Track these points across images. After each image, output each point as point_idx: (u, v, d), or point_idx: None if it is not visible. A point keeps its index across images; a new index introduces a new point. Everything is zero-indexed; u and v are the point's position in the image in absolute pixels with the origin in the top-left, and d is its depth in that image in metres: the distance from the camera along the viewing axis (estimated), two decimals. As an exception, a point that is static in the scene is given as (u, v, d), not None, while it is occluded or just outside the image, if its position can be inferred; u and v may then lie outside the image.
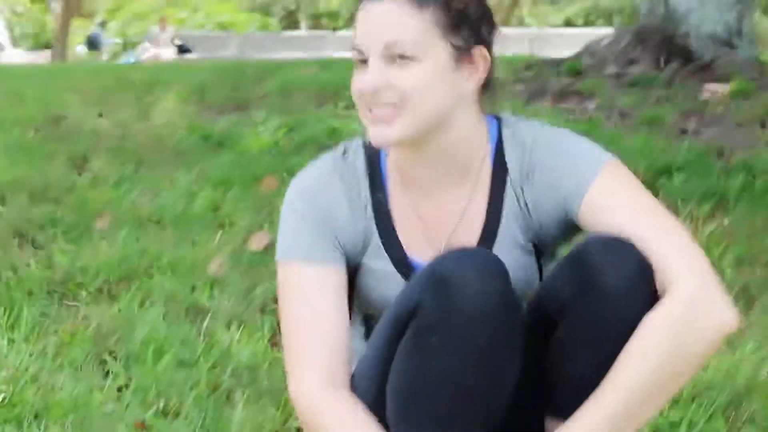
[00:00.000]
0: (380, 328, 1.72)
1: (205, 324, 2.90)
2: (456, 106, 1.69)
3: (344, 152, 1.85)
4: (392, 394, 1.64)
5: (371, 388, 1.70)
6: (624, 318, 1.55)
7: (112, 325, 2.90)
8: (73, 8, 22.83)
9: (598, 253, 1.58)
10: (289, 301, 1.78)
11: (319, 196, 1.79)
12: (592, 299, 1.57)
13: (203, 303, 3.06)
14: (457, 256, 1.58)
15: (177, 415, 2.43)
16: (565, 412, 1.60)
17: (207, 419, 2.39)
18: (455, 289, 1.53)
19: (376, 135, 1.68)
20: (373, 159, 1.84)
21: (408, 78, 1.63)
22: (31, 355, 2.71)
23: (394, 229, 1.80)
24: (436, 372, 1.56)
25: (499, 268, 1.56)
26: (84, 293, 3.14)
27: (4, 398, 2.50)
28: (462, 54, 1.66)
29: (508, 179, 1.78)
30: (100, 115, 5.81)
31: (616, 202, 1.66)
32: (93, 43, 23.37)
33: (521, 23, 30.85)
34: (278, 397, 2.44)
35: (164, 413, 2.45)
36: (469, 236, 1.78)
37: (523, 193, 1.77)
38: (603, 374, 1.56)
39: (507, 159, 1.78)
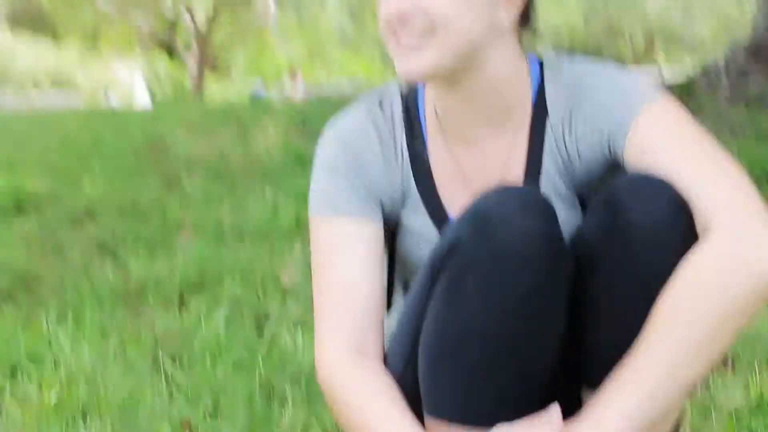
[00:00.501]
0: (416, 280, 1.58)
1: (269, 329, 2.81)
2: (491, 38, 1.52)
3: (379, 98, 1.73)
4: (423, 349, 1.47)
5: (404, 351, 1.55)
6: (658, 263, 1.36)
7: (176, 330, 2.84)
8: (206, 65, 23.55)
9: (626, 191, 1.39)
10: (320, 259, 1.63)
11: (352, 144, 1.65)
12: (619, 242, 1.38)
13: (271, 309, 2.97)
14: (500, 191, 1.42)
15: (226, 416, 2.33)
16: (601, 382, 1.42)
17: (256, 420, 2.28)
18: (495, 225, 1.36)
19: (404, 67, 1.51)
20: (410, 104, 1.70)
21: (437, 0, 1.47)
22: (90, 357, 2.66)
23: (433, 180, 1.64)
24: (472, 317, 1.38)
25: (544, 206, 1.39)
26: (153, 301, 3.09)
27: (58, 399, 2.46)
28: None
29: (548, 123, 1.62)
30: (201, 142, 5.82)
31: (661, 140, 1.47)
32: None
33: (655, 63, 30.45)
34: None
35: (213, 414, 2.35)
36: None
37: (564, 137, 1.60)
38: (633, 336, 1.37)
39: (548, 101, 1.62)
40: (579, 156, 1.59)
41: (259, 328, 2.86)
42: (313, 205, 1.65)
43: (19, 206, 4.33)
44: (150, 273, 3.27)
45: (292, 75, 21.75)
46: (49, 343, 2.78)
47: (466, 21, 1.49)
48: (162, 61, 27.57)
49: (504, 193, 1.42)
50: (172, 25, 25.43)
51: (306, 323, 2.87)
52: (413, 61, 1.50)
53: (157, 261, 3.44)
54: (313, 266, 1.65)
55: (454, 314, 1.41)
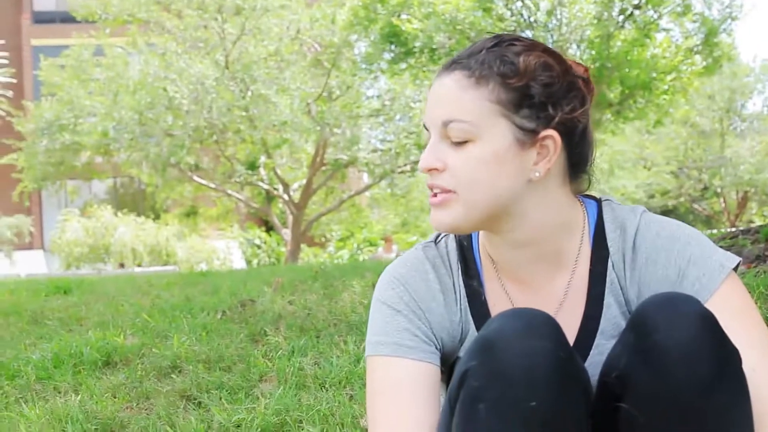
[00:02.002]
0: (441, 411, 1.58)
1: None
2: (525, 192, 1.56)
3: (436, 238, 1.76)
4: None
5: None
6: (686, 380, 1.34)
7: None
8: (301, 236, 24.03)
9: (652, 312, 1.40)
10: (377, 400, 1.65)
11: (412, 285, 1.69)
12: (646, 363, 1.37)
13: (351, 451, 2.95)
14: (503, 316, 1.44)
15: None
16: None
17: None
18: (499, 351, 1.38)
19: (435, 219, 1.60)
20: (465, 244, 1.74)
21: (463, 160, 1.53)
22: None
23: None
24: None
25: (549, 325, 1.40)
26: (236, 446, 3.10)
27: None
28: (527, 136, 1.54)
29: (610, 263, 1.63)
30: (290, 303, 5.90)
31: (732, 322, 1.48)
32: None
33: (750, 223, 30.03)
34: None
35: None
36: (569, 325, 1.62)
37: (626, 277, 1.62)
38: None
39: (608, 241, 1.64)
40: (639, 297, 1.59)
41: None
42: (370, 345, 1.69)
43: (109, 361, 4.44)
44: (231, 418, 3.29)
45: (387, 243, 22.11)
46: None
47: (492, 179, 1.53)
48: (259, 234, 28.21)
49: (506, 317, 1.44)
50: (269, 199, 26.15)
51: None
52: (442, 215, 1.57)
53: (239, 407, 3.46)
54: (368, 404, 1.66)
55: None
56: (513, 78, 1.53)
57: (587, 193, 1.72)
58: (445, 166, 1.55)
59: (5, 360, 4.66)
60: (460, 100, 1.53)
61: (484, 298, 1.69)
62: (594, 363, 1.58)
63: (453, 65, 1.57)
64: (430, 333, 1.66)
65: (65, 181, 26.16)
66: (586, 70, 1.65)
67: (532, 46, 1.58)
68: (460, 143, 1.54)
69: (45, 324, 5.92)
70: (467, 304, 1.69)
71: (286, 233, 24.29)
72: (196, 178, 23.07)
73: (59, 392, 3.97)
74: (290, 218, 24.05)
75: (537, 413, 1.34)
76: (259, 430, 3.18)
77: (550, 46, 1.63)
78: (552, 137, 1.54)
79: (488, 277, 1.70)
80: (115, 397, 3.77)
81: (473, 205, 1.54)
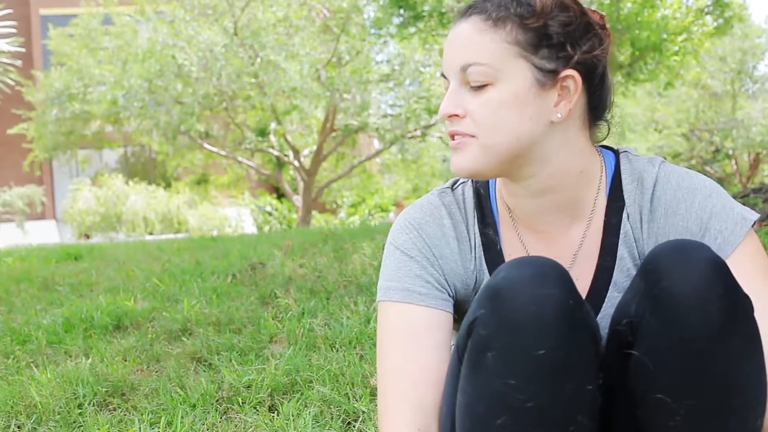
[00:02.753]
0: (449, 361, 1.57)
1: (357, 427, 2.78)
2: (546, 135, 1.54)
3: (453, 185, 1.75)
4: (459, 424, 1.46)
5: (448, 427, 1.54)
6: (698, 325, 1.32)
7: (265, 430, 2.83)
8: (312, 201, 24.00)
9: (664, 258, 1.38)
10: (387, 345, 1.64)
11: (426, 231, 1.68)
12: (657, 308, 1.35)
13: (359, 409, 2.94)
14: (511, 265, 1.42)
15: None
16: None
17: None
18: (507, 299, 1.36)
19: (456, 163, 1.58)
20: (482, 192, 1.72)
21: (483, 104, 1.52)
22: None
23: None
24: (495, 391, 1.37)
25: (557, 274, 1.38)
26: (247, 406, 3.09)
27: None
28: (548, 77, 1.52)
29: (625, 214, 1.62)
30: (300, 266, 5.90)
31: (757, 275, 1.49)
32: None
33: (762, 184, 29.86)
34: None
35: None
36: (583, 277, 1.62)
37: (642, 229, 1.60)
38: (687, 404, 1.33)
39: (624, 192, 1.62)
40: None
41: (348, 426, 2.84)
42: (382, 290, 1.68)
43: (119, 325, 4.45)
44: (242, 379, 3.29)
45: (398, 208, 22.09)
46: (140, 445, 2.81)
47: (512, 121, 1.52)
48: (270, 201, 28.20)
49: (516, 265, 1.42)
50: (279, 166, 26.11)
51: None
52: (462, 159, 1.55)
53: (249, 368, 3.46)
54: (378, 348, 1.65)
55: (478, 389, 1.40)
56: (530, 18, 1.51)
57: (605, 144, 1.70)
58: (465, 112, 1.54)
59: (16, 325, 4.68)
60: (477, 43, 1.52)
61: (500, 247, 1.68)
62: (607, 315, 1.57)
63: (469, 11, 1.56)
64: (443, 280, 1.66)
65: (76, 151, 26.06)
66: (602, 17, 1.63)
67: None
68: (480, 87, 1.52)
69: (56, 290, 5.95)
70: (482, 252, 1.68)
71: (297, 200, 24.26)
72: (206, 145, 23.03)
73: (70, 356, 3.99)
74: (301, 185, 24.01)
75: (545, 361, 1.33)
76: (269, 390, 3.17)
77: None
78: (572, 77, 1.53)
79: (504, 227, 1.69)
80: (125, 360, 3.78)
81: (494, 148, 1.52)
